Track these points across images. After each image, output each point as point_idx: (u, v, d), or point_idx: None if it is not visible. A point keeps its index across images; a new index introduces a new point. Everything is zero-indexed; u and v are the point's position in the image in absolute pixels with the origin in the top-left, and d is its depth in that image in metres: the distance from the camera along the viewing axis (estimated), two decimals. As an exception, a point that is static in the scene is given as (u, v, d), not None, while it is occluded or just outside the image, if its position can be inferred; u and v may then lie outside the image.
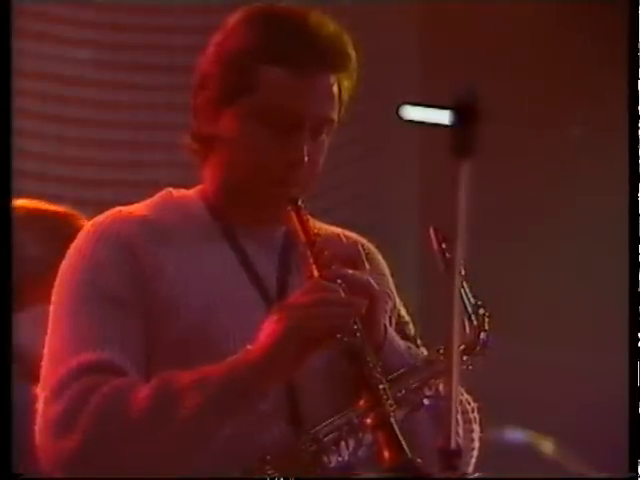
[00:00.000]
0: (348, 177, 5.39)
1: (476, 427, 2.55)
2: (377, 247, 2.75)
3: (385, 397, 2.35)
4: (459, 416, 2.33)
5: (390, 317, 2.62)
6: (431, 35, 5.82)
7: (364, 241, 2.70)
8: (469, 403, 2.54)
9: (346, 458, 2.42)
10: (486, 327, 2.52)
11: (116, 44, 5.57)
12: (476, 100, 2.02)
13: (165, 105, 5.05)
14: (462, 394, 2.48)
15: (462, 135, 1.97)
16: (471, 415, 2.49)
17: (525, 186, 5.62)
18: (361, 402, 2.35)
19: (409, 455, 2.27)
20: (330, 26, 2.52)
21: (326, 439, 2.42)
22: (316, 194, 2.64)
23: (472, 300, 2.49)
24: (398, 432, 2.30)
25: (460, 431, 2.43)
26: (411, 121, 2.00)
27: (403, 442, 2.29)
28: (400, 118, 2.02)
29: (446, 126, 1.98)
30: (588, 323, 5.53)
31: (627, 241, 3.83)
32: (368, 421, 2.34)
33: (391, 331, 2.58)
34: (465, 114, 2.01)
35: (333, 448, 2.41)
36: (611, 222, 5.57)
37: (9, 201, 2.73)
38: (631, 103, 3.24)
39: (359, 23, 5.08)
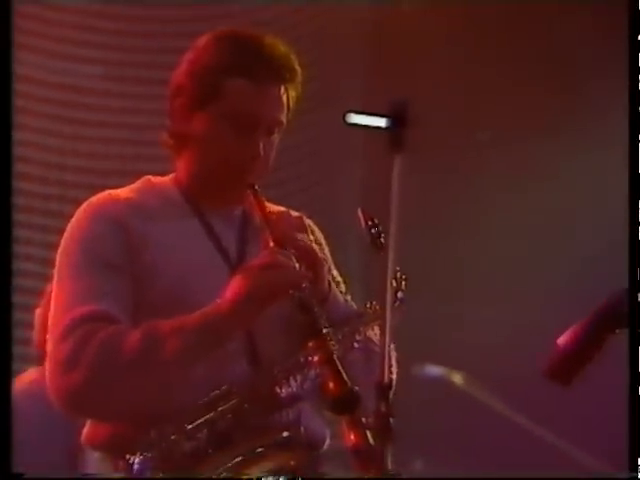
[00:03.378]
0: (303, 170, 5.44)
1: (394, 363, 2.53)
2: (324, 226, 2.79)
3: (329, 339, 2.38)
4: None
5: (327, 279, 2.62)
6: (372, 55, 5.84)
7: (306, 218, 2.71)
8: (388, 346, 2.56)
9: (295, 390, 2.44)
10: (403, 288, 2.57)
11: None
12: (406, 109, 2.13)
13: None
14: (375, 337, 2.49)
15: (395, 136, 2.12)
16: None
17: (449, 175, 5.63)
18: (309, 344, 2.38)
19: (350, 385, 2.29)
20: (281, 47, 2.56)
21: (279, 374, 2.44)
22: (272, 184, 2.68)
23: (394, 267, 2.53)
24: (340, 367, 2.32)
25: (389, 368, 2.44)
26: (355, 125, 2.03)
27: (345, 375, 2.31)
28: (346, 123, 2.06)
29: (383, 129, 2.14)
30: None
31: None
32: (315, 359, 2.36)
33: (334, 287, 2.63)
34: (397, 120, 2.14)
35: (284, 382, 2.43)
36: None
37: (9, 201, 2.65)
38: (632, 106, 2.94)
39: (316, 46, 5.19)
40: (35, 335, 3.65)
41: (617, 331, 2.41)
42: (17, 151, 2.78)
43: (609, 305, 2.42)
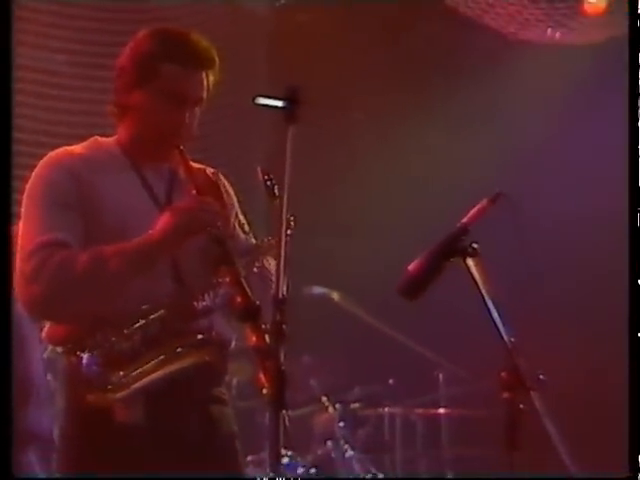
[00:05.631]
0: (222, 139, 5.36)
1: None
2: (237, 181, 2.74)
3: (237, 265, 2.36)
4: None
5: (234, 220, 2.63)
6: (274, 51, 5.79)
7: (219, 173, 2.69)
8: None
9: (208, 303, 2.42)
10: (292, 226, 2.51)
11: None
12: (298, 93, 2.21)
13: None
14: (270, 264, 2.48)
15: (289, 113, 2.20)
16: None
17: (332, 141, 5.62)
18: (221, 269, 2.36)
19: (253, 300, 2.27)
20: (204, 42, 2.53)
21: (197, 291, 2.42)
22: (198, 149, 2.63)
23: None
24: (246, 286, 2.30)
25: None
26: (261, 105, 2.02)
27: (249, 292, 2.29)
28: (254, 103, 2.05)
29: (281, 108, 2.20)
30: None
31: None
32: (226, 280, 2.35)
33: (237, 227, 2.63)
34: (291, 101, 2.21)
35: (201, 297, 2.41)
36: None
37: (8, 201, 2.48)
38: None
39: (229, 42, 5.14)
40: None
41: (451, 260, 2.42)
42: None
43: (445, 241, 2.43)
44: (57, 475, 2.38)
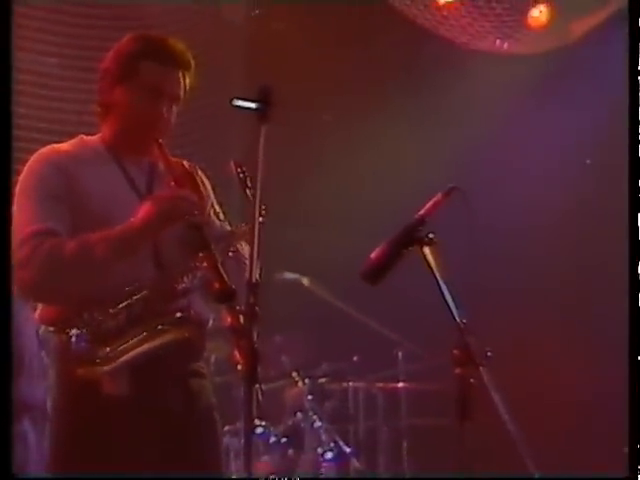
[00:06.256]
0: (201, 136, 5.33)
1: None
2: (213, 175, 2.72)
3: (213, 251, 2.35)
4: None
5: (210, 209, 2.61)
6: (251, 58, 5.76)
7: (196, 166, 2.67)
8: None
9: (187, 285, 2.41)
10: (263, 215, 2.50)
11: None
12: (270, 95, 2.21)
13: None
14: (244, 249, 2.46)
15: (262, 113, 2.21)
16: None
17: (301, 138, 5.59)
18: (199, 254, 2.35)
19: (228, 283, 2.26)
20: (180, 45, 2.53)
21: (176, 274, 2.40)
22: (178, 145, 2.63)
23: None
24: (222, 271, 2.29)
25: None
26: (237, 106, 2.02)
27: (225, 276, 2.28)
28: (231, 105, 2.04)
29: (254, 109, 2.21)
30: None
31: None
32: (204, 264, 2.33)
33: (213, 215, 2.61)
34: (263, 102, 2.22)
35: (180, 279, 2.40)
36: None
37: (8, 201, 2.50)
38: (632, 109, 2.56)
39: (209, 49, 5.13)
40: None
41: (410, 248, 2.42)
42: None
43: (404, 231, 2.44)
44: (57, 474, 2.35)
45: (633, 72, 2.57)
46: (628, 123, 2.54)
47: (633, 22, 2.63)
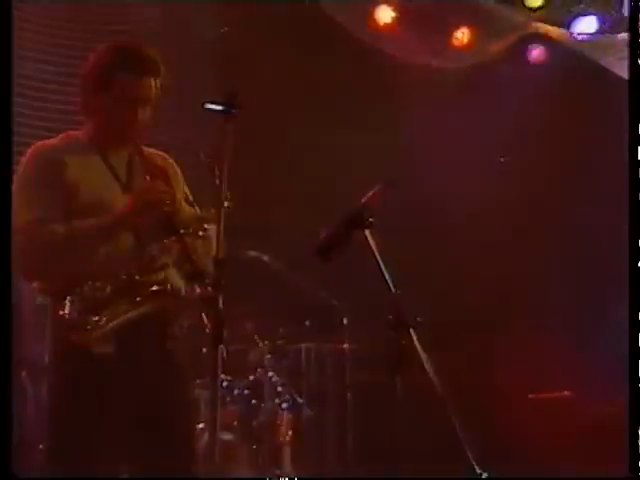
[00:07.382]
0: (175, 134, 5.26)
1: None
2: (185, 165, 2.70)
3: (184, 234, 2.35)
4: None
5: (181, 195, 2.58)
6: (220, 68, 5.68)
7: (170, 158, 2.65)
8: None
9: (164, 262, 2.43)
10: (229, 199, 2.41)
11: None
12: (235, 98, 2.25)
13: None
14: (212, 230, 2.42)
15: (228, 114, 2.27)
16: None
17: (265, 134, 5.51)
18: (172, 238, 2.36)
19: (197, 262, 2.28)
20: (151, 52, 2.49)
21: (154, 254, 2.42)
22: (153, 145, 2.59)
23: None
24: (192, 253, 2.31)
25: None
26: (208, 109, 1.99)
27: (195, 256, 2.30)
28: (203, 107, 2.01)
29: (222, 110, 2.24)
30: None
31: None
32: (177, 246, 2.34)
33: (183, 200, 2.57)
34: (229, 104, 2.26)
35: (157, 257, 2.43)
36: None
37: (8, 201, 2.37)
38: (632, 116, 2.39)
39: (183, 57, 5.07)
40: None
41: (354, 230, 2.43)
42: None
43: (349, 215, 2.44)
44: (57, 473, 2.32)
45: (633, 70, 2.51)
46: (628, 123, 2.46)
47: (633, 21, 2.56)
